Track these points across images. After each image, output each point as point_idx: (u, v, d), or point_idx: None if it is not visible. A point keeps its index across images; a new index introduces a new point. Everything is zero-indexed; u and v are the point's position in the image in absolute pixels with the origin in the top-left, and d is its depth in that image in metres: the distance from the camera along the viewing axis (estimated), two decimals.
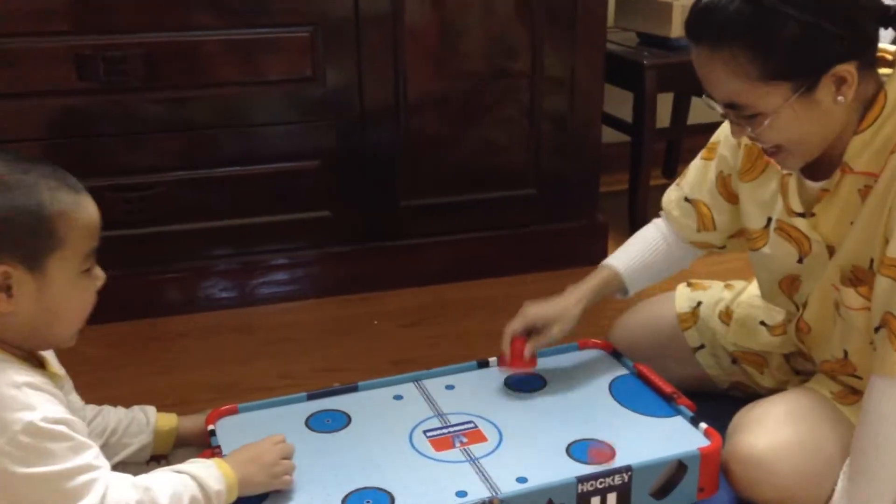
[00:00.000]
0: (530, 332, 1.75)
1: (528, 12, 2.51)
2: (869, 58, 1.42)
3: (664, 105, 3.19)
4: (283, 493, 1.45)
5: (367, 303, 2.55)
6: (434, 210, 2.63)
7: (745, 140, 1.66)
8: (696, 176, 1.81)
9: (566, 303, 1.77)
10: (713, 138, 1.78)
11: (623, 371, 1.82)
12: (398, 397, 1.74)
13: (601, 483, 1.47)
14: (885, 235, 1.44)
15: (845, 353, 1.61)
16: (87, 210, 1.27)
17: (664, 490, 1.52)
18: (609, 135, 2.88)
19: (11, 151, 1.27)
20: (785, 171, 1.60)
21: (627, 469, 1.49)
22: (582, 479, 1.46)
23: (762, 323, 1.84)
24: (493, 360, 1.84)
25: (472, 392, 1.76)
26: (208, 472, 1.36)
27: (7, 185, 1.21)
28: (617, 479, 1.48)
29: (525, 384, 1.78)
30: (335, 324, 2.44)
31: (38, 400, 1.21)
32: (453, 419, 1.66)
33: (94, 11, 2.24)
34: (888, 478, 1.42)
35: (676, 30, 2.76)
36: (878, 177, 1.45)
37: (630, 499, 1.50)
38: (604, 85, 2.66)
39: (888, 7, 1.46)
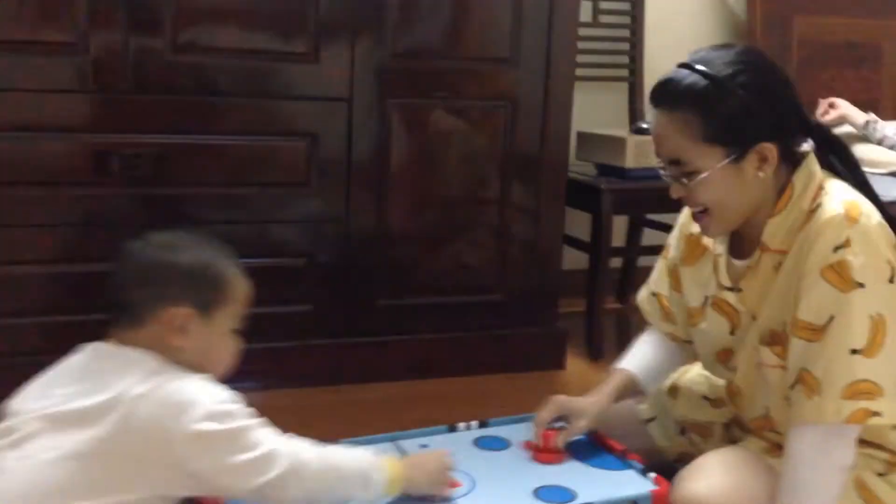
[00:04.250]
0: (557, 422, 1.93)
1: (500, 151, 2.86)
2: (788, 148, 1.73)
3: (619, 228, 3.51)
4: None
5: (343, 393, 2.73)
6: (407, 310, 2.86)
7: (686, 231, 1.96)
8: (657, 273, 2.08)
9: (592, 399, 1.97)
10: (667, 240, 2.06)
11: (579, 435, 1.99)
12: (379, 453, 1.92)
13: None
14: (796, 300, 1.69)
15: (766, 409, 1.82)
16: (246, 282, 1.62)
17: None
18: (568, 261, 3.15)
19: (199, 232, 1.62)
20: (717, 251, 1.86)
21: None
22: None
23: (705, 398, 2.06)
24: (462, 424, 2.02)
25: (443, 448, 1.89)
26: (376, 462, 1.62)
27: (200, 246, 1.56)
28: None
29: (491, 444, 1.96)
30: (311, 410, 2.60)
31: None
32: None
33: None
34: None
35: (630, 161, 3.07)
36: (788, 253, 1.73)
37: None
38: (564, 209, 2.98)
39: (812, 122, 1.79)
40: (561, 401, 1.95)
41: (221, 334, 1.58)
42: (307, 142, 2.68)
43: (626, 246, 3.75)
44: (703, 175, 1.69)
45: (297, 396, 2.68)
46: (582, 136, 3.29)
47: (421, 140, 2.79)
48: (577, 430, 1.92)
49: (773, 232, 1.75)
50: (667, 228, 3.51)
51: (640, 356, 2.07)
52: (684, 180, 1.72)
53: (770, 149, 1.68)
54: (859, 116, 3.38)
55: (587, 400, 1.96)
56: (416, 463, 1.71)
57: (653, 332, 2.11)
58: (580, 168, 3.26)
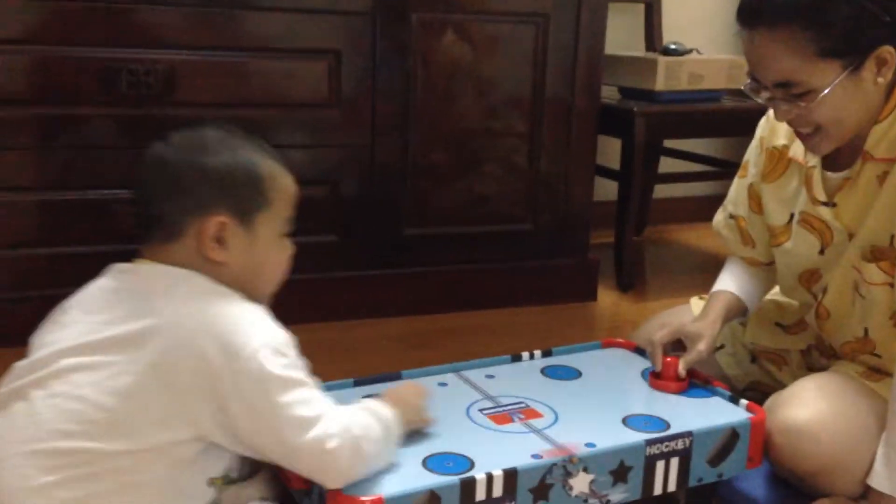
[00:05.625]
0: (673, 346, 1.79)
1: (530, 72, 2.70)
2: None
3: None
4: None
5: (370, 327, 2.60)
6: (436, 240, 2.72)
7: (767, 145, 1.82)
8: (734, 194, 1.95)
9: (706, 322, 1.82)
10: (745, 157, 1.92)
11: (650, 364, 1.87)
12: (443, 384, 1.78)
13: (666, 447, 1.53)
14: None
15: (865, 331, 1.71)
16: (289, 178, 1.41)
17: (719, 458, 1.59)
18: (596, 191, 3.02)
19: (229, 127, 1.40)
20: (810, 164, 1.73)
21: (689, 434, 1.55)
22: (650, 442, 1.52)
23: (777, 324, 1.95)
24: (525, 354, 1.89)
25: (512, 380, 1.80)
26: (380, 407, 1.42)
27: (230, 146, 1.35)
28: (679, 444, 1.54)
29: (561, 373, 1.83)
30: (340, 345, 2.48)
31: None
32: (503, 400, 1.70)
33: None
34: None
35: (660, 84, 2.93)
36: (895, 162, 1.60)
37: (690, 465, 1.56)
38: (597, 135, 2.83)
39: None
40: (676, 324, 1.81)
41: (268, 242, 1.38)
42: (329, 59, 2.51)
43: (645, 175, 3.60)
44: (822, 94, 1.54)
45: (320, 330, 2.53)
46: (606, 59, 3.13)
47: (447, 60, 2.62)
48: (697, 356, 1.77)
49: (878, 139, 1.62)
50: (682, 156, 3.44)
51: (735, 278, 1.94)
52: (800, 103, 1.57)
53: (889, 51, 1.54)
54: None
55: (702, 323, 1.82)
56: (400, 399, 1.49)
57: (734, 259, 1.98)
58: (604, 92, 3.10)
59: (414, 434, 1.52)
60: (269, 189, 1.36)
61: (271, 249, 1.39)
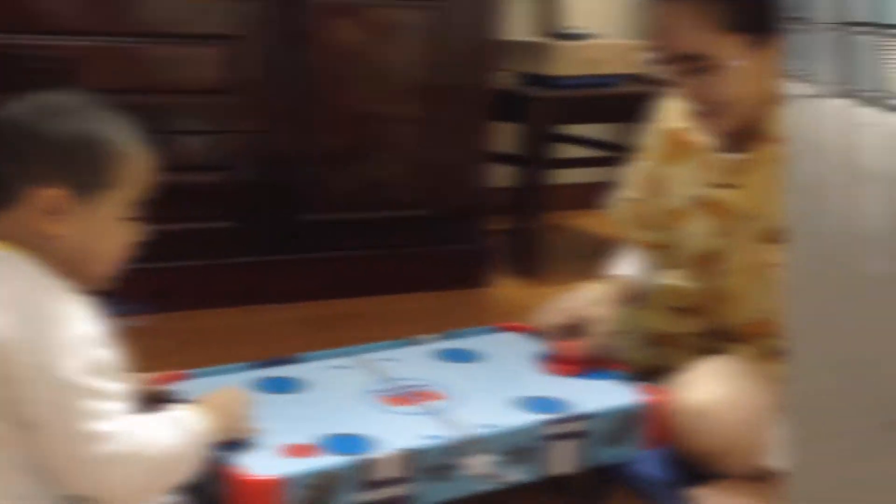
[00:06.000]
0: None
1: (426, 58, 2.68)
2: None
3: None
4: (260, 437, 1.44)
5: (269, 312, 2.57)
6: (333, 226, 2.69)
7: (664, 127, 1.82)
8: (631, 177, 1.95)
9: (603, 304, 1.81)
10: (642, 141, 1.92)
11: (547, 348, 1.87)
12: (341, 367, 1.76)
13: (563, 428, 1.54)
14: None
15: (765, 313, 1.71)
16: (144, 160, 1.31)
17: (616, 440, 1.61)
18: (497, 178, 3.01)
19: (94, 95, 1.30)
20: (708, 146, 1.73)
21: (585, 416, 1.57)
22: (546, 423, 1.53)
23: (673, 308, 1.95)
24: (423, 337, 1.88)
25: (410, 363, 1.79)
26: (187, 416, 1.33)
27: (85, 116, 1.26)
28: (576, 426, 1.56)
29: (458, 356, 1.82)
30: (239, 330, 2.44)
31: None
32: (401, 383, 1.69)
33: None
34: None
35: (559, 69, 2.94)
36: (786, 144, 1.58)
37: (587, 446, 1.57)
38: (491, 121, 2.83)
39: None
40: (572, 309, 1.80)
41: (107, 224, 1.28)
42: (225, 45, 2.46)
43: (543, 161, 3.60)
44: (726, 67, 1.54)
45: (217, 316, 2.48)
46: (505, 45, 3.13)
47: (343, 46, 2.59)
48: (594, 340, 1.77)
49: (777, 120, 1.61)
50: (581, 141, 3.44)
51: (631, 263, 1.95)
52: (703, 77, 1.56)
53: None
54: None
55: (598, 307, 1.81)
56: (216, 406, 1.39)
57: (630, 243, 1.99)
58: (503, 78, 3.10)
59: (311, 415, 1.51)
60: (117, 168, 1.27)
61: (109, 232, 1.29)
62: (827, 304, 1.62)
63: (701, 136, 1.76)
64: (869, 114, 1.54)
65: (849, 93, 1.48)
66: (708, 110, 1.63)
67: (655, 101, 1.90)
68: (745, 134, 1.67)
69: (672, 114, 1.83)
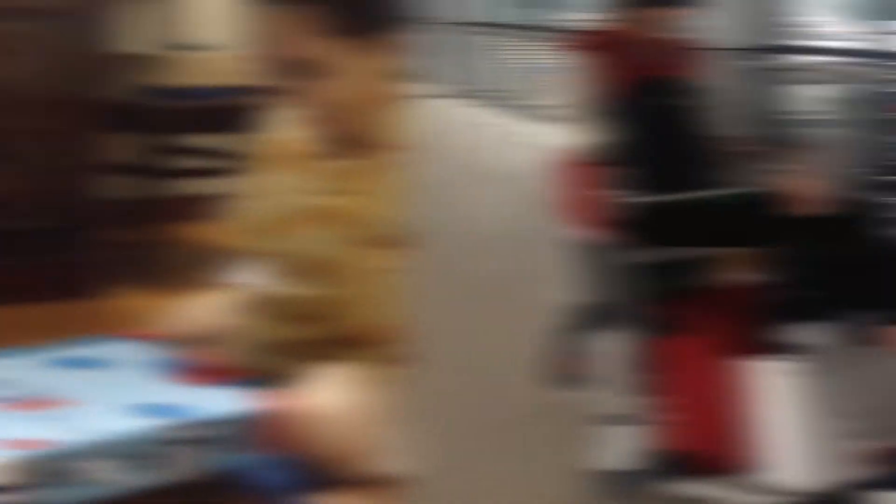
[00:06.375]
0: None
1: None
2: None
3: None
4: None
5: None
6: None
7: (269, 135, 1.87)
8: (242, 187, 1.97)
9: (222, 314, 1.83)
10: (251, 150, 1.95)
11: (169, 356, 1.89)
12: None
13: (183, 433, 1.59)
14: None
15: (381, 318, 1.82)
16: None
17: (233, 446, 1.66)
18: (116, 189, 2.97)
19: None
20: (316, 152, 1.77)
21: (208, 422, 1.62)
22: (167, 429, 1.57)
23: (283, 315, 1.95)
24: (42, 346, 1.86)
25: (28, 370, 1.77)
26: None
27: None
28: (198, 432, 1.61)
29: (78, 364, 1.82)
30: None
31: None
32: (20, 390, 1.67)
33: None
34: None
35: (177, 79, 2.97)
36: (401, 148, 1.70)
37: (210, 451, 1.62)
38: (106, 133, 2.81)
39: None
40: (194, 319, 1.83)
41: None
42: None
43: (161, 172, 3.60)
44: (334, 72, 1.59)
45: None
46: (128, 57, 3.11)
47: None
48: (213, 348, 1.80)
49: (384, 126, 1.69)
50: (199, 152, 3.46)
51: (246, 271, 1.98)
52: (311, 83, 1.60)
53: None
54: None
55: (218, 317, 1.85)
56: None
57: (244, 251, 2.01)
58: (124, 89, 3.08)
59: None
60: None
61: None
62: (451, 306, 1.73)
63: (312, 144, 1.79)
64: (486, 114, 1.69)
65: (469, 93, 1.62)
66: (318, 116, 1.67)
67: (268, 111, 1.91)
68: (356, 139, 1.72)
69: (284, 122, 1.85)
